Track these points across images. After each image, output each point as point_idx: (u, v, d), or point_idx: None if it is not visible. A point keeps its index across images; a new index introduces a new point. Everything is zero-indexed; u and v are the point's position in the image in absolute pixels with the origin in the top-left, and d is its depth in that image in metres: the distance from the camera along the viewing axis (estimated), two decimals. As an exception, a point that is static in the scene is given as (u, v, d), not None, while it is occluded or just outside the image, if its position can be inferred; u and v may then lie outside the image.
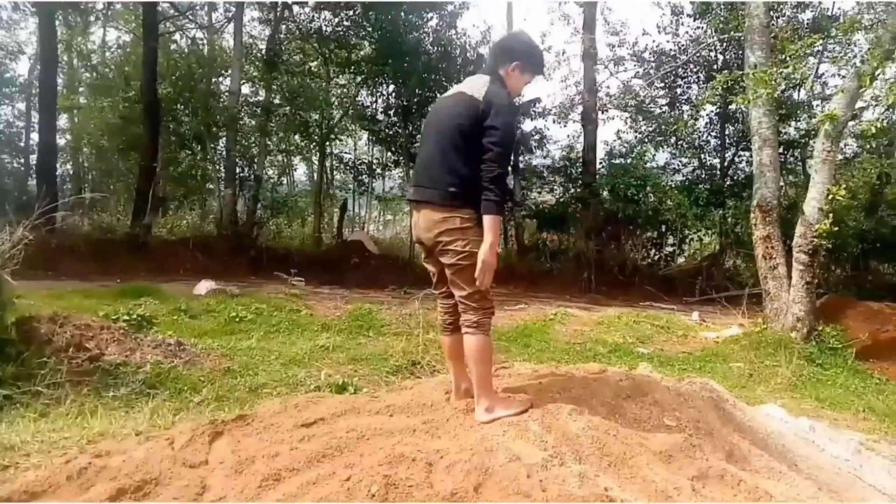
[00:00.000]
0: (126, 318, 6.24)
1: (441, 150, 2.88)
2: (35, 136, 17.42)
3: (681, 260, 17.65)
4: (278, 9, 16.54)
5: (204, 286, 9.37)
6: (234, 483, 2.49)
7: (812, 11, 16.08)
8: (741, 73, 9.42)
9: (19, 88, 19.46)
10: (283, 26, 17.22)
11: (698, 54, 17.04)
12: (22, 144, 19.56)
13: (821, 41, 8.52)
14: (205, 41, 19.36)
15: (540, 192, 19.01)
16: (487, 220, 2.73)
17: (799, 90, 15.75)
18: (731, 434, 3.28)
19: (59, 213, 11.37)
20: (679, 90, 18.54)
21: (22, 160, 19.34)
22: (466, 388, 3.08)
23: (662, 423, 3.17)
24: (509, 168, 2.96)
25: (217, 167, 16.33)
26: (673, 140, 17.97)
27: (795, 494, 2.81)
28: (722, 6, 15.20)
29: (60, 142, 17.81)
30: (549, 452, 2.59)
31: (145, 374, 4.66)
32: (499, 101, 2.84)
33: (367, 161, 20.97)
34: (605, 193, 16.29)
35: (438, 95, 16.86)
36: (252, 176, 16.30)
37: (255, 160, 16.69)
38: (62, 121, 18.62)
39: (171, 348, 5.38)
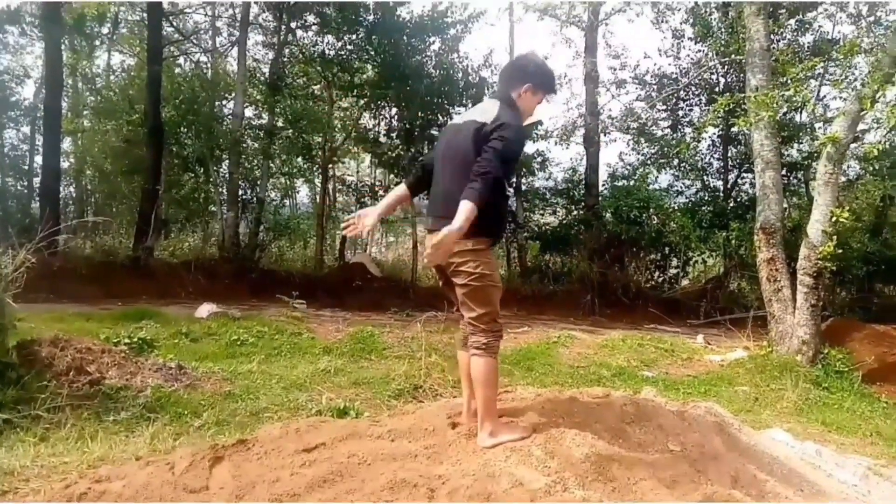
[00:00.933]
0: (127, 341, 6.22)
1: (457, 182, 2.84)
2: (39, 160, 17.51)
3: (685, 282, 17.60)
4: (282, 33, 16.72)
5: (205, 309, 9.35)
6: (234, 509, 2.46)
7: (812, 35, 16.22)
8: (742, 95, 9.47)
9: (24, 112, 19.59)
10: (287, 50, 17.37)
11: (700, 77, 17.14)
12: (26, 167, 19.65)
13: (821, 64, 8.59)
14: (208, 65, 19.55)
15: (542, 214, 19.05)
16: (463, 204, 2.66)
17: (801, 113, 15.82)
18: (737, 459, 3.25)
19: (61, 235, 11.39)
20: (681, 112, 18.62)
21: (25, 183, 19.44)
22: (477, 408, 3.08)
23: (667, 448, 3.14)
24: (506, 185, 3.00)
25: (220, 190, 16.39)
26: (675, 162, 18.00)
27: (803, 521, 2.77)
28: (723, 30, 15.35)
29: (64, 165, 17.88)
30: (552, 478, 2.56)
31: (146, 398, 4.64)
32: (506, 120, 2.85)
33: (369, 183, 21.02)
34: (608, 215, 16.29)
35: (440, 118, 17.04)
36: (254, 198, 16.35)
37: (258, 183, 16.75)
38: (66, 144, 18.71)
39: (172, 372, 5.36)
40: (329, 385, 5.93)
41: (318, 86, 17.97)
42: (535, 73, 3.07)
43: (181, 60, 19.38)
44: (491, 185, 2.72)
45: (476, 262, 2.86)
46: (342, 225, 3.31)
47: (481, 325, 2.92)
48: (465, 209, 2.65)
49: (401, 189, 3.40)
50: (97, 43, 20.24)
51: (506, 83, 3.08)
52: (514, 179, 17.77)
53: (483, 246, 2.88)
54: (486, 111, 2.94)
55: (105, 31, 20.14)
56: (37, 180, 17.24)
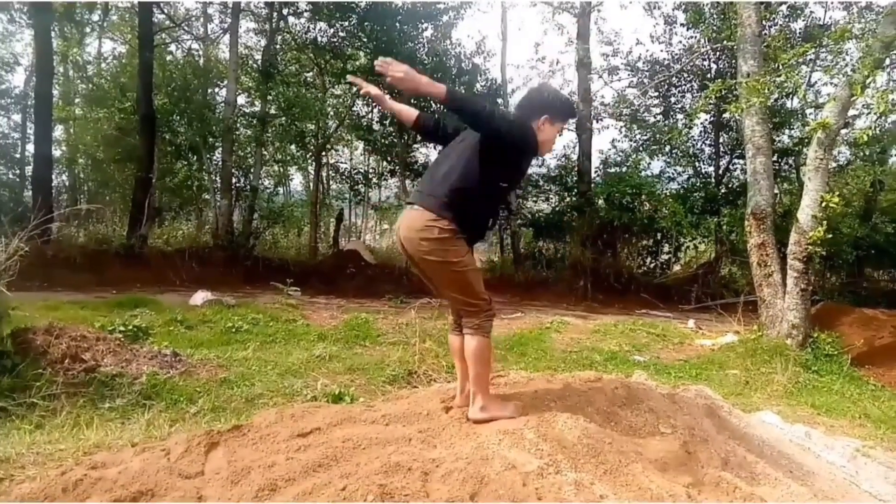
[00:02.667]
0: (122, 329, 6.25)
1: (455, 169, 2.92)
2: (31, 148, 17.36)
3: (676, 268, 17.70)
4: (274, 20, 16.61)
5: (200, 297, 9.36)
6: (230, 493, 2.49)
7: (804, 21, 16.22)
8: (734, 81, 9.47)
9: (15, 100, 19.43)
10: (279, 37, 17.28)
11: (692, 63, 17.12)
12: (17, 156, 19.50)
13: (812, 50, 8.55)
14: (200, 52, 19.43)
15: (536, 201, 19.08)
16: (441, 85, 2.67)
17: (792, 98, 15.83)
18: (727, 441, 3.29)
19: (54, 224, 11.35)
20: (673, 99, 18.63)
21: (17, 171, 19.29)
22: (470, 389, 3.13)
23: (658, 430, 3.18)
24: (498, 194, 3.08)
25: (213, 177, 16.35)
26: (667, 148, 18.04)
27: (791, 501, 2.82)
28: (714, 16, 15.32)
29: (56, 153, 17.80)
30: (545, 461, 2.60)
31: (141, 385, 4.66)
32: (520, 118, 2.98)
33: (363, 171, 21.01)
34: (601, 202, 16.32)
35: (433, 105, 17.00)
36: (248, 186, 16.32)
37: (251, 170, 16.71)
38: (58, 132, 18.64)
39: (167, 359, 5.38)
40: (324, 371, 5.96)
41: (311, 73, 17.91)
42: (551, 103, 3.06)
43: (173, 48, 19.28)
44: (475, 110, 2.73)
45: (442, 249, 2.88)
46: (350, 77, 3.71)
47: (471, 308, 2.98)
48: (438, 84, 2.66)
49: (414, 111, 3.43)
50: (88, 30, 20.09)
51: (523, 114, 3.06)
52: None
53: (448, 234, 2.87)
54: None
55: (95, 18, 19.98)
56: (29, 168, 17.14)
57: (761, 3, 9.74)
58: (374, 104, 18.36)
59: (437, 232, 2.85)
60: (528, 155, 3.11)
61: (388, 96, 3.37)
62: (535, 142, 2.98)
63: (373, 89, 3.32)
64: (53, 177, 16.37)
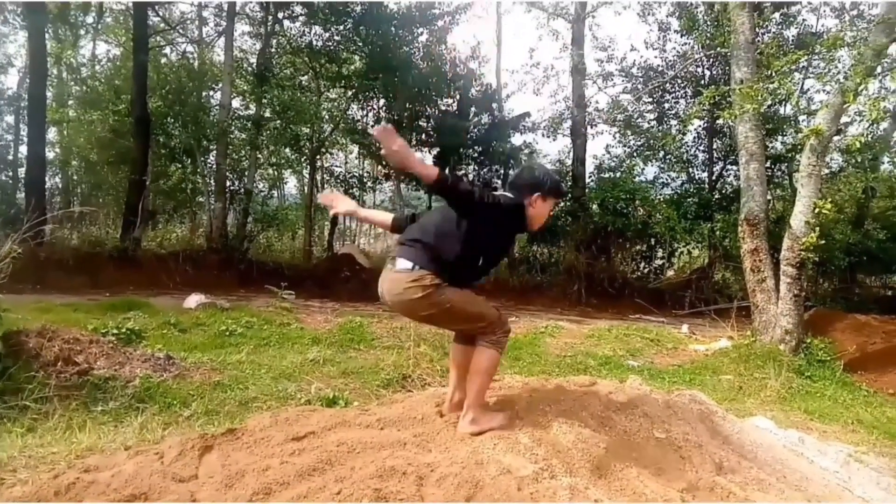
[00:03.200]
0: (115, 331, 6.20)
1: (440, 227, 2.94)
2: (24, 150, 17.32)
3: (670, 273, 17.73)
4: (269, 23, 16.61)
5: (194, 300, 9.33)
6: (225, 497, 2.48)
7: (797, 28, 16.35)
8: (728, 88, 9.53)
9: (8, 101, 19.38)
10: (274, 40, 17.27)
11: (685, 70, 17.22)
12: (10, 157, 19.45)
13: (805, 57, 8.64)
14: (195, 55, 19.39)
15: (530, 206, 19.06)
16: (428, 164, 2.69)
17: (785, 105, 15.95)
18: (721, 446, 3.31)
19: (47, 226, 11.34)
20: (667, 105, 18.73)
21: (10, 173, 19.23)
22: (460, 399, 3.11)
23: (652, 435, 3.19)
24: (488, 252, 3.04)
25: (207, 180, 16.30)
26: (661, 154, 18.14)
27: (784, 506, 2.83)
28: (708, 23, 15.42)
29: (49, 155, 17.74)
30: (540, 465, 2.60)
31: (134, 389, 4.63)
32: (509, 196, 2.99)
33: (357, 174, 21.01)
34: (595, 207, 16.37)
35: (428, 109, 17.06)
36: (242, 189, 16.27)
37: (246, 173, 16.67)
38: (51, 134, 18.58)
39: (161, 362, 5.36)
40: (318, 375, 5.95)
41: (306, 76, 17.90)
42: (541, 181, 3.09)
43: (167, 50, 19.21)
44: (463, 197, 2.72)
45: (429, 303, 2.86)
46: (321, 194, 3.36)
47: (485, 328, 2.99)
48: (430, 166, 2.66)
49: (387, 216, 3.44)
50: (82, 32, 20.03)
51: (517, 192, 3.07)
52: (502, 171, 17.82)
53: (432, 289, 2.83)
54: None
55: (90, 20, 19.93)
56: (22, 171, 17.06)
57: (755, 10, 9.80)
58: (368, 108, 18.49)
59: (422, 290, 2.83)
60: (515, 231, 3.22)
61: (354, 207, 3.36)
62: (524, 221, 3.06)
63: (344, 206, 3.32)
64: (47, 179, 16.29)
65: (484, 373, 2.97)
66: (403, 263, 2.88)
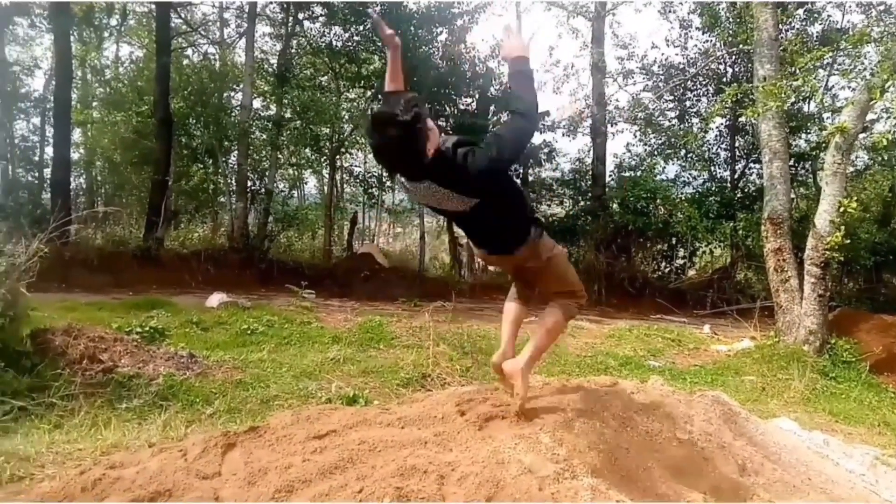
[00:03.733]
0: (139, 330, 6.29)
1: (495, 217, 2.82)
2: (49, 151, 17.60)
3: (691, 272, 17.59)
4: (289, 24, 16.71)
5: (216, 298, 9.41)
6: (247, 494, 2.50)
7: (821, 24, 16.12)
8: (750, 85, 9.44)
9: (34, 103, 19.66)
10: (294, 41, 17.37)
11: (707, 67, 17.06)
12: (36, 158, 19.73)
13: (830, 54, 8.52)
14: (217, 56, 19.57)
15: (549, 205, 19.04)
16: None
17: (809, 103, 15.75)
18: (744, 447, 3.27)
19: (72, 226, 11.49)
20: (688, 103, 18.57)
21: (36, 174, 19.50)
22: (511, 353, 3.18)
23: (675, 436, 3.16)
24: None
25: (228, 181, 16.43)
26: (683, 153, 17.99)
27: (809, 509, 2.79)
28: (730, 19, 15.25)
29: (74, 156, 17.97)
30: (561, 465, 2.58)
31: (158, 386, 4.69)
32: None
33: (376, 174, 21.06)
34: (615, 206, 16.28)
35: (448, 109, 17.02)
36: (263, 189, 16.38)
37: (266, 173, 16.78)
38: (76, 135, 18.81)
39: (184, 360, 5.42)
40: (338, 374, 5.97)
41: (326, 77, 17.98)
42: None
43: (189, 52, 19.43)
44: (533, 99, 2.60)
45: (538, 252, 2.89)
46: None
47: (566, 294, 3.05)
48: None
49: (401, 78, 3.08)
50: (106, 34, 20.27)
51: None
52: (521, 170, 17.71)
53: (534, 242, 2.86)
54: None
55: (114, 22, 20.18)
56: (47, 171, 17.31)
57: (778, 6, 9.69)
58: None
59: (527, 248, 2.85)
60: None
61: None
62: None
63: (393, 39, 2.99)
64: (72, 179, 16.54)
65: (548, 333, 3.01)
66: (512, 248, 2.87)
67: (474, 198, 2.58)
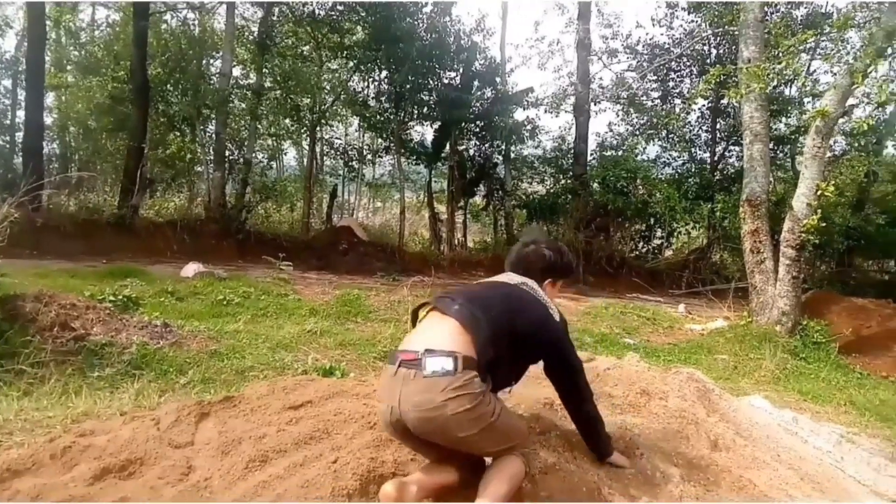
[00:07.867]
0: (112, 298, 6.20)
1: (494, 313, 2.33)
2: (21, 114, 17.11)
3: (668, 253, 17.74)
4: (271, -9, 16.37)
5: (191, 268, 9.32)
6: (221, 464, 2.48)
7: (806, 8, 16.16)
8: (734, 67, 9.44)
9: (5, 65, 19.13)
10: (276, 9, 17.00)
11: (692, 48, 17.05)
12: (7, 122, 19.25)
13: (814, 37, 8.53)
14: (196, 22, 19.13)
15: (530, 183, 19.05)
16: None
17: (790, 86, 15.85)
18: (717, 424, 3.31)
19: (45, 191, 11.25)
20: (672, 84, 18.61)
21: (7, 138, 19.01)
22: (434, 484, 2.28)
23: (650, 411, 3.19)
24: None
25: (206, 150, 16.16)
26: (664, 133, 18.05)
27: (779, 484, 2.84)
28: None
29: (47, 120, 17.54)
30: (533, 437, 2.60)
31: (131, 355, 4.63)
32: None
33: (357, 147, 20.87)
34: (596, 185, 16.31)
35: (431, 82, 16.84)
36: (241, 159, 16.14)
37: (245, 143, 16.54)
38: (49, 99, 18.34)
39: (158, 330, 5.35)
40: (315, 346, 5.95)
41: (308, 46, 17.68)
42: (560, 268, 2.74)
43: (168, 16, 18.95)
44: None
45: (476, 414, 2.14)
46: None
47: (510, 451, 2.31)
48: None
49: None
50: (81, -5, 19.72)
51: (526, 271, 2.67)
52: (503, 147, 17.67)
53: (480, 395, 2.15)
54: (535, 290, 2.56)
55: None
56: (19, 135, 16.90)
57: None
58: (370, 79, 18.26)
59: (470, 400, 2.12)
60: None
61: None
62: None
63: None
64: (44, 145, 16.15)
65: (510, 480, 2.23)
66: (441, 363, 2.13)
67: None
